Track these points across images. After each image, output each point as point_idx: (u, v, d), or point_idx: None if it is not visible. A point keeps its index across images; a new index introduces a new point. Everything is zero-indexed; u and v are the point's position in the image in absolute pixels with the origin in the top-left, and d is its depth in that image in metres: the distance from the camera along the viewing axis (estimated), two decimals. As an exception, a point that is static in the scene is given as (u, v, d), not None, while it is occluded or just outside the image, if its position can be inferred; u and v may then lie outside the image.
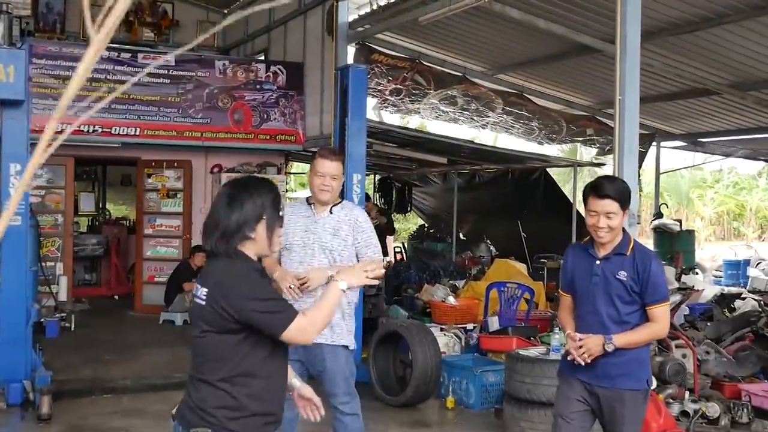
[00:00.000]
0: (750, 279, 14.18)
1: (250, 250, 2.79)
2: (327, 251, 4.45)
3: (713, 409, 6.22)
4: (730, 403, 6.45)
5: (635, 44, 6.42)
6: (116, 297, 13.30)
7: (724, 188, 34.68)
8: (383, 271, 3.11)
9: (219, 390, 2.71)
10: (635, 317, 3.87)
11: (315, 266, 4.40)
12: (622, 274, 3.85)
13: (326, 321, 2.85)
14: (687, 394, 6.26)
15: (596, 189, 3.89)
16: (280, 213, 2.85)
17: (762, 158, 16.23)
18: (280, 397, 2.86)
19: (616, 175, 6.43)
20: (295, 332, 2.65)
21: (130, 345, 9.49)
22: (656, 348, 6.88)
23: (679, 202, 32.35)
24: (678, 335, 7.30)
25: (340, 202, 4.63)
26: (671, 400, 6.11)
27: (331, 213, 4.54)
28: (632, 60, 6.42)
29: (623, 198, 3.86)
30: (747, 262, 15.93)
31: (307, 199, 4.64)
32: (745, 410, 6.41)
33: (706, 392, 6.72)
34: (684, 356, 7.06)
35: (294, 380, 3.06)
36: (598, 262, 3.94)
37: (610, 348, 3.77)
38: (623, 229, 3.97)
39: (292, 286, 4.25)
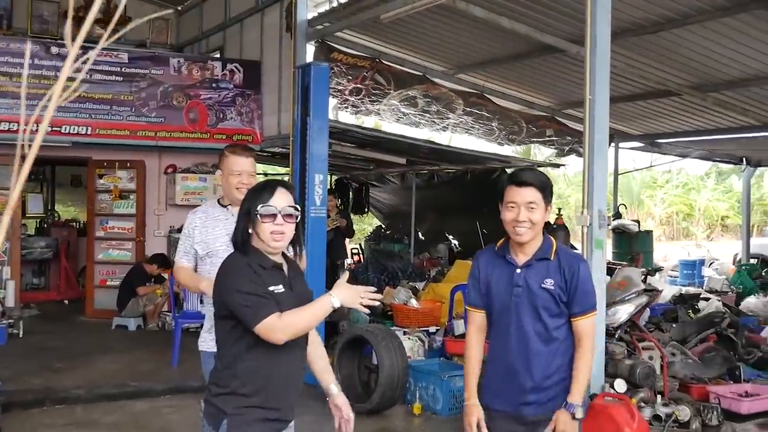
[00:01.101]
0: (707, 279, 14.30)
1: (259, 244, 2.95)
2: None
3: (684, 412, 6.15)
4: (700, 406, 6.40)
5: (605, 43, 6.34)
6: (66, 302, 12.92)
7: (674, 188, 35.22)
8: (378, 303, 2.99)
9: (216, 367, 2.99)
10: (563, 332, 3.41)
11: None
12: (549, 283, 3.37)
13: (303, 327, 2.88)
14: (659, 397, 6.18)
15: (515, 178, 3.45)
16: (259, 208, 2.91)
17: (717, 159, 16.40)
18: (274, 389, 2.92)
19: (587, 175, 6.34)
20: (263, 329, 2.77)
21: (82, 352, 9.14)
22: (625, 351, 6.81)
23: (630, 203, 32.72)
24: (646, 337, 7.25)
25: None
26: (643, 404, 6.03)
27: None
28: (602, 59, 6.34)
29: (546, 189, 3.40)
30: (702, 262, 16.09)
31: (219, 201, 4.37)
32: (714, 413, 6.36)
33: (674, 395, 6.68)
34: (651, 358, 7.01)
35: (332, 386, 3.21)
36: (519, 270, 3.42)
37: (580, 414, 3.34)
38: (543, 232, 3.52)
39: None
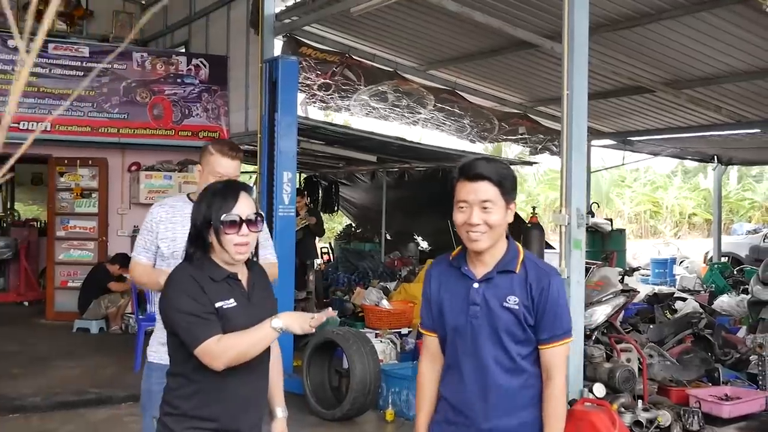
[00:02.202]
0: (679, 277, 14.24)
1: (216, 256, 2.67)
2: None
3: (665, 417, 5.98)
4: (681, 410, 6.22)
5: (583, 35, 6.15)
6: (26, 303, 12.58)
7: (642, 186, 35.39)
8: (324, 319, 2.65)
9: (168, 385, 2.74)
10: (530, 361, 2.77)
11: None
12: (512, 300, 2.72)
13: (242, 353, 2.57)
14: (639, 402, 6.00)
15: (465, 170, 2.75)
16: (223, 217, 2.60)
17: (689, 157, 16.35)
18: (231, 412, 2.66)
19: (564, 172, 6.14)
20: (201, 354, 2.54)
21: (40, 357, 8.79)
22: (604, 354, 6.63)
23: (599, 201, 32.80)
24: (625, 339, 7.07)
25: None
26: (623, 410, 5.83)
27: None
28: (580, 52, 6.13)
29: (505, 183, 2.71)
30: (673, 261, 16.04)
31: (189, 196, 3.96)
32: (695, 417, 6.18)
33: (653, 398, 6.50)
34: (629, 360, 6.83)
35: (278, 409, 2.98)
36: (476, 285, 2.77)
37: None
38: (507, 236, 2.84)
39: None
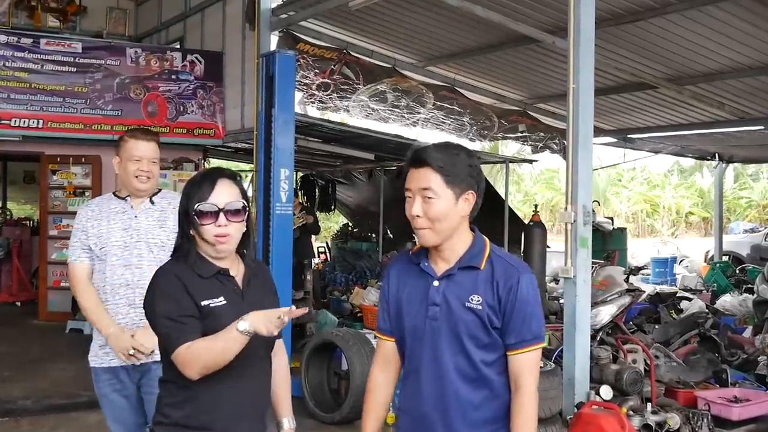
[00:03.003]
0: (681, 277, 14.09)
1: (204, 248, 2.51)
2: (156, 248, 3.70)
3: (674, 420, 5.81)
4: (689, 413, 6.06)
5: (589, 28, 6.02)
6: (18, 304, 12.39)
7: (639, 185, 35.32)
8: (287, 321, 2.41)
9: (159, 392, 2.59)
10: (496, 369, 2.49)
11: (144, 268, 3.63)
12: (475, 300, 2.45)
13: (213, 360, 2.36)
14: (647, 405, 5.83)
15: (410, 156, 2.52)
16: (197, 207, 2.45)
17: (690, 155, 16.21)
18: (227, 421, 2.49)
19: (570, 169, 5.98)
20: (175, 361, 2.40)
21: (31, 359, 8.60)
22: (611, 355, 6.47)
23: (596, 200, 32.71)
24: (631, 339, 6.92)
25: (159, 191, 3.86)
26: (632, 413, 5.67)
27: (152, 203, 3.79)
28: (586, 45, 6.00)
29: (451, 170, 2.44)
30: (674, 260, 15.89)
31: (115, 193, 3.86)
32: (705, 420, 6.02)
33: (661, 401, 6.35)
34: (634, 362, 6.67)
35: (284, 420, 2.78)
36: (436, 282, 2.51)
37: None
38: (473, 229, 2.57)
39: (133, 352, 3.60)
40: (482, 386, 2.47)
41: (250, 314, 2.36)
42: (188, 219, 2.47)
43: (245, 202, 2.52)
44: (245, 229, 2.55)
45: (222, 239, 2.47)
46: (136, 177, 3.71)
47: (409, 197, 2.48)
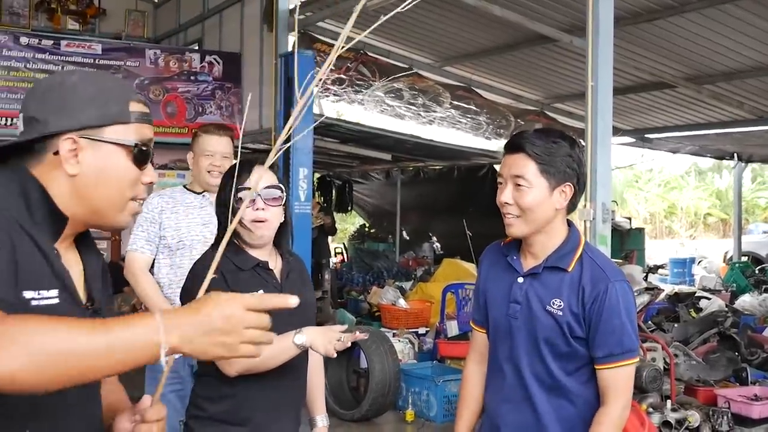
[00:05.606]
0: (699, 277, 14.03)
1: (243, 236, 2.47)
2: None
3: (694, 417, 5.80)
4: (709, 411, 6.05)
5: (608, 25, 6.01)
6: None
7: (656, 187, 35.17)
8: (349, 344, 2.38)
9: (194, 385, 2.57)
10: (579, 381, 2.30)
11: None
12: (556, 305, 2.26)
13: (257, 364, 2.29)
14: (667, 402, 5.83)
15: (509, 141, 2.37)
16: (235, 192, 2.37)
17: (708, 155, 16.12)
18: (263, 419, 2.44)
19: (589, 167, 5.97)
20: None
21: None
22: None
23: (614, 201, 32.60)
24: (651, 338, 6.90)
25: None
26: (652, 410, 5.66)
27: None
28: (605, 42, 6.00)
29: (549, 159, 2.25)
30: (693, 260, 15.82)
31: (186, 187, 3.85)
32: (725, 417, 6.00)
33: (680, 399, 6.33)
34: (654, 360, 6.65)
35: (317, 418, 2.76)
36: (520, 279, 2.35)
37: None
38: (569, 222, 2.37)
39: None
40: (561, 397, 2.30)
41: (309, 329, 2.35)
42: (226, 207, 2.42)
43: (282, 188, 2.50)
44: (283, 218, 2.52)
45: (260, 225, 2.44)
46: (209, 172, 3.73)
47: (501, 183, 2.32)
